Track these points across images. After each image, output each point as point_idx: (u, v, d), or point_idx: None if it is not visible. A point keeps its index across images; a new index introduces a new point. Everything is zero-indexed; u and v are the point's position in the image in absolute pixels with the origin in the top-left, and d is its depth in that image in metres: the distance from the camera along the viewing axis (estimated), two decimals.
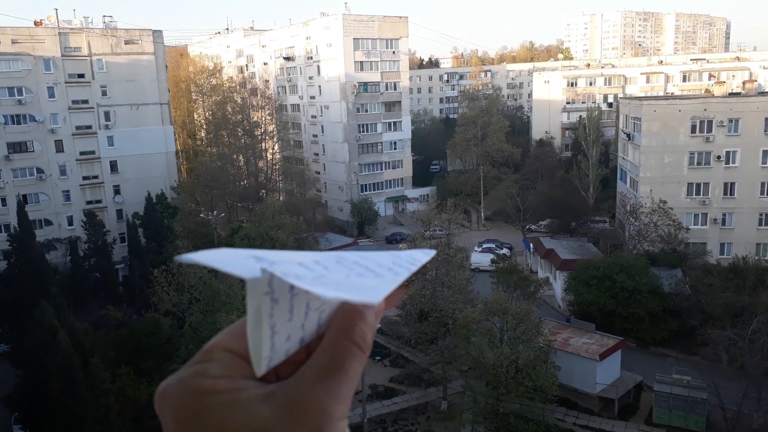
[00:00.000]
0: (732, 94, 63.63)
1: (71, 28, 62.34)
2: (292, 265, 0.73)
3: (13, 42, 58.59)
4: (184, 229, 58.87)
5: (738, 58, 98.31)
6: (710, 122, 53.02)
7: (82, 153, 62.43)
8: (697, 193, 53.91)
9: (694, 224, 53.31)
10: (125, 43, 63.74)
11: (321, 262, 0.77)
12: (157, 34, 65.52)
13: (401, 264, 0.83)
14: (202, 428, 0.72)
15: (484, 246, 62.52)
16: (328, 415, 0.73)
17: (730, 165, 53.25)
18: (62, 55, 60.71)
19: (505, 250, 61.52)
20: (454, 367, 35.60)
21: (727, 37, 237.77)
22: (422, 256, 0.89)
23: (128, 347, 35.33)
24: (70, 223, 60.73)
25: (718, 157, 53.08)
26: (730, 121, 52.77)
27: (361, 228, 74.76)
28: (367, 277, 0.76)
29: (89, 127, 62.63)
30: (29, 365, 32.52)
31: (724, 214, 53.77)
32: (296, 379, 0.75)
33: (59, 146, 61.14)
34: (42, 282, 41.87)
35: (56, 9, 61.86)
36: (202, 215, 61.78)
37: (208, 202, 68.38)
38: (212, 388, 0.73)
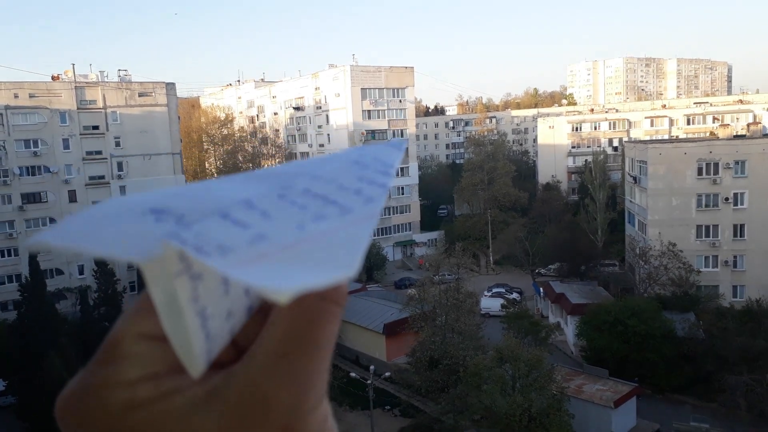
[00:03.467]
0: (737, 137, 64.17)
1: (87, 82, 64.21)
2: (213, 222, 0.47)
3: (31, 96, 60.39)
4: None
5: (741, 101, 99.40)
6: (716, 164, 53.24)
7: (94, 203, 62.28)
8: (707, 235, 53.67)
9: (704, 267, 52.85)
10: (139, 96, 65.46)
11: (256, 203, 0.50)
12: (170, 87, 67.33)
13: (371, 178, 0.56)
14: None
15: (494, 291, 62.04)
16: (296, 407, 0.49)
17: (739, 206, 53.17)
18: (78, 108, 62.38)
19: (515, 295, 61.05)
20: (465, 417, 34.87)
21: (729, 81, 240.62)
22: (391, 152, 0.61)
23: None
24: (81, 272, 61.10)
25: (726, 199, 53.07)
26: (737, 163, 52.98)
27: (369, 273, 74.62)
28: (329, 219, 0.50)
29: (102, 177, 63.79)
30: (36, 419, 32.26)
31: (735, 257, 53.36)
32: (245, 365, 0.50)
33: (72, 196, 62.14)
34: (52, 332, 41.85)
35: (73, 64, 64.37)
36: None
37: None
38: (130, 400, 0.49)
